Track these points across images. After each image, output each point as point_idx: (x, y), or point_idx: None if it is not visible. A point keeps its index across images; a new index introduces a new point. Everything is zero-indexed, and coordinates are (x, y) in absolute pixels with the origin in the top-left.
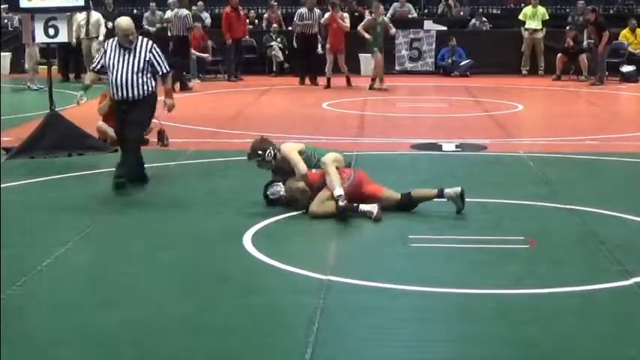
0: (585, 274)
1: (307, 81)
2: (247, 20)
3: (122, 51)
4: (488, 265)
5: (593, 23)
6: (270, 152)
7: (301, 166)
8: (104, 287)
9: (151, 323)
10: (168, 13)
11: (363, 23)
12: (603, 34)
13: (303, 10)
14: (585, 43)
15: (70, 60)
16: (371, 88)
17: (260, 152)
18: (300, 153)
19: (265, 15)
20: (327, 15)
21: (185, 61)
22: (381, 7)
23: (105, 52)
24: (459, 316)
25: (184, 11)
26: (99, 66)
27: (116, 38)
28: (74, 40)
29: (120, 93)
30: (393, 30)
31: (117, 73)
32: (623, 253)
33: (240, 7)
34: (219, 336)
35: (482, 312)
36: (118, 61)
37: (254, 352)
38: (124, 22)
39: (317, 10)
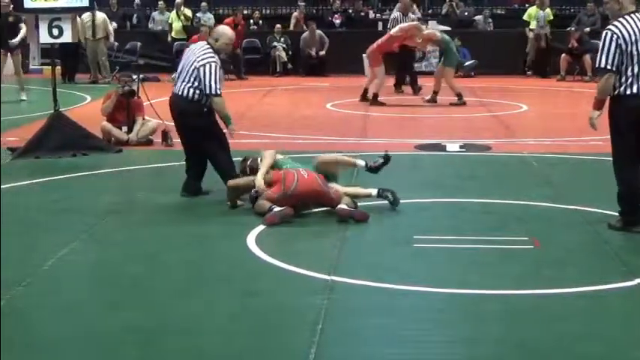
0: (590, 274)
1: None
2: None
3: None
4: (493, 265)
5: None
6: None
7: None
8: (108, 287)
9: (155, 323)
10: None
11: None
12: None
13: (397, 14)
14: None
15: (67, 61)
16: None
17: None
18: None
19: (295, 14)
20: None
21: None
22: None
23: (218, 69)
24: (463, 316)
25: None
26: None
27: (213, 50)
28: (83, 39)
29: None
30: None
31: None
32: (627, 254)
33: (242, 22)
34: (223, 336)
35: (487, 313)
36: None
37: (258, 352)
38: (231, 30)
39: (412, 15)
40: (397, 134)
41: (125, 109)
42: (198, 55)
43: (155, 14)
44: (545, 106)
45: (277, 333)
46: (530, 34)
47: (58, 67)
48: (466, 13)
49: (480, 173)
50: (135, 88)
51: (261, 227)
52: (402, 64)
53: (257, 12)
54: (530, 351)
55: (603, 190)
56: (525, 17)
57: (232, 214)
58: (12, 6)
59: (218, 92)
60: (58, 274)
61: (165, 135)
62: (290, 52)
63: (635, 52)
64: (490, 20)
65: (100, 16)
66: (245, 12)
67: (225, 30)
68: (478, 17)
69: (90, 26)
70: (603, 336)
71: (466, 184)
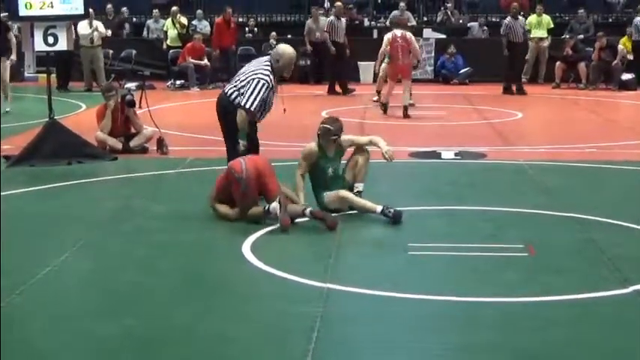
0: (585, 282)
1: (337, 88)
2: (240, 28)
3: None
4: (488, 273)
5: None
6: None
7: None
8: (103, 296)
9: (151, 331)
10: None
11: None
12: None
13: (332, 18)
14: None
15: (61, 69)
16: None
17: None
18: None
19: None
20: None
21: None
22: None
23: (264, 89)
24: (458, 324)
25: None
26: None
27: (272, 70)
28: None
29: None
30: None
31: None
32: (622, 262)
33: (232, 18)
34: (218, 344)
35: (482, 320)
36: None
37: None
38: (291, 49)
39: (343, 19)
40: (392, 141)
41: (120, 121)
42: (257, 68)
43: (150, 22)
44: (540, 113)
45: (273, 341)
46: (532, 43)
47: (53, 75)
48: (461, 21)
49: (474, 181)
50: (134, 97)
51: (257, 235)
52: (336, 68)
53: (252, 19)
54: (524, 358)
55: (598, 198)
56: (526, 26)
57: (228, 222)
58: (3, 14)
59: (249, 108)
60: (53, 282)
61: (160, 143)
62: None
63: None
64: (485, 28)
65: (97, 23)
66: (240, 19)
67: (285, 50)
68: (473, 24)
69: (90, 33)
70: (599, 344)
71: (461, 192)
